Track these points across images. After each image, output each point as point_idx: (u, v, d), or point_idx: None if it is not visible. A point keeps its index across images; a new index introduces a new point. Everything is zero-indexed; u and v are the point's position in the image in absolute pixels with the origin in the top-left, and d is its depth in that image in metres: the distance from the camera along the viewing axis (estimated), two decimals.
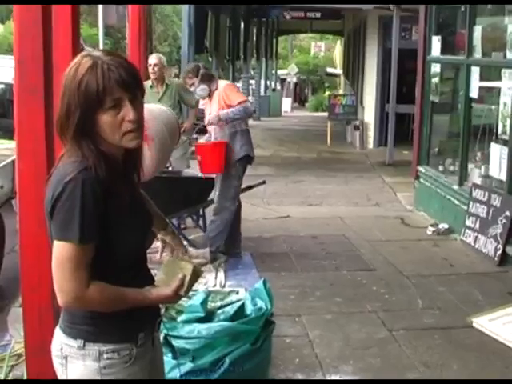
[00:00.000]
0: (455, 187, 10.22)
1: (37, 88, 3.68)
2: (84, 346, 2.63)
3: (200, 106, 9.54)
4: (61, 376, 2.72)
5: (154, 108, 6.23)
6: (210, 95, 8.15)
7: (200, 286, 6.70)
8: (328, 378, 5.40)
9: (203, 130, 9.10)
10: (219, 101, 8.03)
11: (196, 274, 2.75)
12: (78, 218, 2.46)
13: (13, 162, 6.53)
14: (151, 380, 2.93)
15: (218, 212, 8.19)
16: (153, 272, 2.88)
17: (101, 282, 2.55)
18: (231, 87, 8.34)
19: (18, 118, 3.76)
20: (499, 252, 8.36)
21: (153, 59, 9.63)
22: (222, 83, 8.38)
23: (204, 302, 4.63)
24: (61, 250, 2.51)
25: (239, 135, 8.12)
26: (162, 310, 3.03)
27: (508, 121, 8.58)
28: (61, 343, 2.69)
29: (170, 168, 9.10)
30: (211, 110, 8.12)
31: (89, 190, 2.47)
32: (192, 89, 8.29)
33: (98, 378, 2.64)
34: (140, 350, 2.72)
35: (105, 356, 2.64)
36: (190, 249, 8.37)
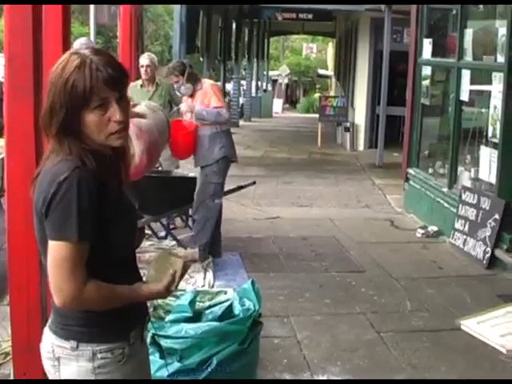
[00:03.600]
0: (445, 190, 10.24)
1: (26, 86, 3.68)
2: (77, 346, 2.62)
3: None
4: (53, 378, 2.71)
5: (145, 107, 6.22)
6: (192, 94, 8.16)
7: (188, 286, 6.70)
8: (316, 378, 5.41)
9: None
10: (202, 100, 8.04)
11: (185, 269, 2.75)
12: (76, 217, 2.45)
13: (2, 159, 6.51)
14: (148, 380, 2.93)
15: (196, 209, 8.19)
16: (142, 272, 2.88)
17: (96, 279, 2.54)
18: (214, 88, 8.33)
19: (7, 116, 3.76)
20: (488, 255, 8.38)
21: (145, 60, 9.59)
22: (207, 83, 8.40)
23: (192, 302, 4.62)
24: (58, 250, 2.49)
25: (219, 137, 8.12)
26: (151, 310, 3.03)
27: (498, 124, 8.61)
28: (52, 345, 2.67)
29: (160, 168, 9.08)
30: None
31: (84, 189, 2.46)
32: (176, 86, 8.29)
33: (93, 378, 2.63)
34: (132, 348, 2.72)
35: (98, 356, 2.63)
36: (179, 249, 8.38)
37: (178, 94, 8.73)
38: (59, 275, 2.50)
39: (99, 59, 2.52)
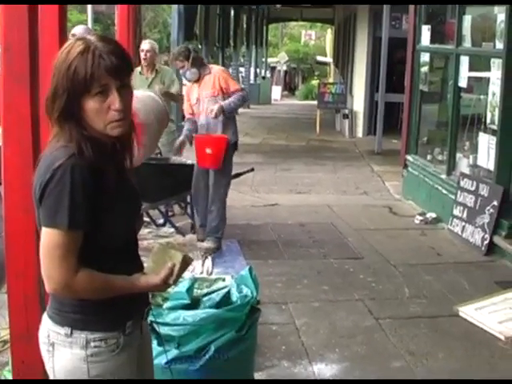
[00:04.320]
0: (443, 176, 10.24)
1: (23, 75, 3.66)
2: (71, 333, 2.63)
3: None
4: (47, 363, 2.72)
5: (143, 94, 6.22)
6: (198, 80, 8.10)
7: (186, 273, 6.70)
8: (314, 365, 5.42)
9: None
10: (213, 85, 7.99)
11: (185, 263, 2.73)
12: (68, 205, 2.45)
13: None
14: (145, 380, 2.93)
15: (213, 200, 8.15)
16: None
17: (89, 268, 2.54)
18: (227, 73, 8.35)
19: (4, 105, 3.74)
20: (486, 242, 8.39)
21: (146, 45, 9.56)
22: (216, 67, 8.39)
23: (190, 289, 4.63)
24: (49, 237, 2.50)
25: (231, 122, 8.14)
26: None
27: (496, 111, 8.59)
28: (48, 330, 2.69)
29: (159, 154, 9.08)
30: (200, 94, 8.07)
31: (78, 176, 2.46)
32: (181, 71, 8.24)
33: (85, 366, 2.63)
34: (127, 338, 2.71)
35: (92, 344, 2.63)
36: (178, 236, 8.39)
37: (184, 79, 8.64)
38: (50, 262, 2.51)
39: (103, 46, 2.51)
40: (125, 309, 2.70)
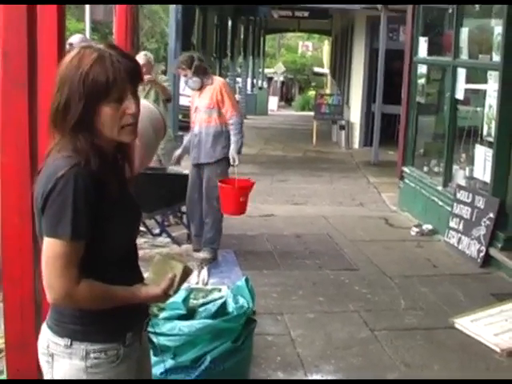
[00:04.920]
0: (439, 188, 10.25)
1: (21, 81, 3.66)
2: (71, 344, 2.61)
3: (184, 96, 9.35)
4: (46, 373, 2.70)
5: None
6: (200, 88, 8.10)
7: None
8: (309, 377, 5.41)
9: (188, 127, 9.05)
10: (211, 97, 7.98)
11: (186, 274, 2.71)
12: (70, 215, 2.44)
13: None
14: (142, 380, 2.92)
15: (207, 213, 8.14)
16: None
17: (90, 278, 2.53)
18: (228, 88, 8.31)
19: (2, 110, 3.74)
20: (482, 253, 8.39)
21: (141, 60, 9.53)
22: (218, 80, 8.38)
23: (186, 300, 4.62)
24: (51, 247, 2.48)
25: (223, 136, 8.09)
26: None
27: (493, 123, 8.61)
28: (48, 340, 2.67)
29: (160, 163, 9.11)
30: (199, 103, 8.07)
31: (81, 186, 2.45)
32: (184, 80, 8.22)
33: (84, 377, 2.62)
34: (127, 349, 2.70)
35: (91, 355, 2.61)
36: (174, 246, 8.38)
37: (188, 87, 8.58)
38: (52, 272, 2.49)
39: (115, 52, 2.52)
40: (125, 320, 2.69)
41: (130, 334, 2.71)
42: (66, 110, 2.51)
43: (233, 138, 8.03)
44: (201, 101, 8.05)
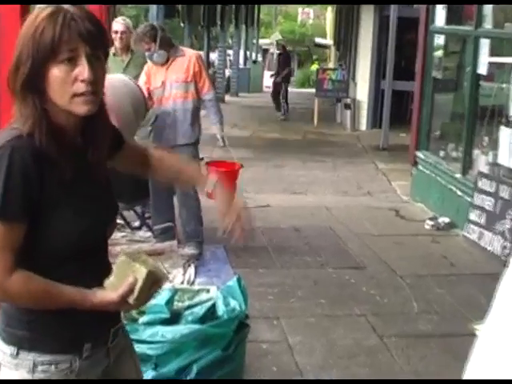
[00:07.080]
0: (458, 176, 10.25)
1: None
2: (17, 353, 2.55)
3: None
4: None
5: (117, 79, 6.21)
6: (166, 62, 8.08)
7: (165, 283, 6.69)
8: None
9: None
10: (187, 69, 7.96)
11: (152, 280, 2.59)
12: (1, 192, 2.38)
13: None
14: (143, 380, 2.89)
15: (182, 202, 8.17)
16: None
17: (29, 271, 2.46)
18: (203, 61, 8.36)
19: None
20: (507, 250, 8.39)
21: (119, 25, 9.43)
22: (190, 51, 8.40)
23: (169, 302, 4.62)
24: None
25: (199, 114, 8.14)
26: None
27: None
28: None
29: None
30: (167, 78, 8.03)
31: (18, 161, 2.39)
32: (147, 54, 8.18)
33: None
34: (85, 363, 2.63)
35: (39, 368, 2.55)
36: (155, 241, 8.37)
37: (152, 62, 8.57)
38: None
39: (77, 11, 2.47)
40: (82, 328, 2.61)
41: (89, 345, 2.64)
42: (16, 68, 2.47)
43: (215, 117, 8.08)
44: (171, 75, 8.02)
